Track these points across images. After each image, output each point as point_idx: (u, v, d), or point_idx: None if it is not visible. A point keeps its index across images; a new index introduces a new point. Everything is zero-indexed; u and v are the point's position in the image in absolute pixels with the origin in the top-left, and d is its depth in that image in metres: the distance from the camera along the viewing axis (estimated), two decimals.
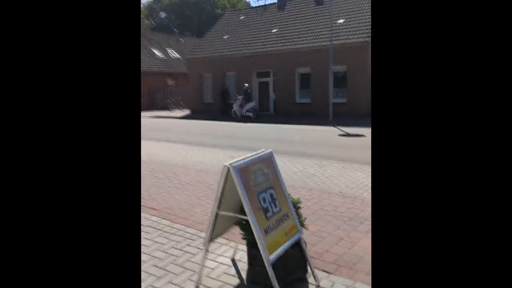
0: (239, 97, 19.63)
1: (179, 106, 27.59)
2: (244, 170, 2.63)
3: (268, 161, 2.90)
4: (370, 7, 19.26)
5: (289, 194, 2.98)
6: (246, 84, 19.97)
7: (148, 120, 20.24)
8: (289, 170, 6.76)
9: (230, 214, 2.78)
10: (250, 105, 18.94)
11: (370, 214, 4.22)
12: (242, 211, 2.77)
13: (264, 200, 2.70)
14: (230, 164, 2.55)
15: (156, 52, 31.82)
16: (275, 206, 2.78)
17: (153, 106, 28.74)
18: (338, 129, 13.44)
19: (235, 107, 19.37)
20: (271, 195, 2.79)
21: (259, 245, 2.50)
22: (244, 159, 2.70)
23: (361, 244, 3.47)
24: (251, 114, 18.69)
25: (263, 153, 2.90)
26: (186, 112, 24.90)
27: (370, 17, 18.13)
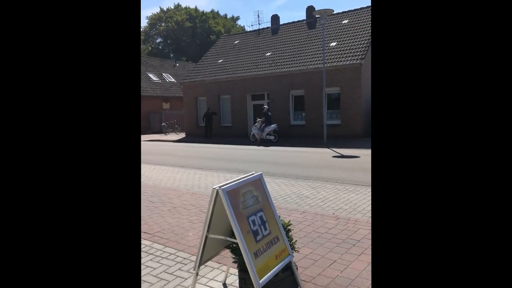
0: (258, 119, 18.26)
1: (174, 130, 27.67)
2: (233, 193, 2.63)
3: (257, 183, 2.91)
4: (362, 30, 19.65)
5: (279, 217, 2.98)
6: (266, 106, 18.60)
7: (143, 143, 20.24)
8: (283, 192, 6.75)
9: (220, 237, 2.77)
10: (272, 127, 17.57)
11: (363, 236, 4.20)
12: (232, 234, 2.76)
13: (253, 222, 2.70)
14: (219, 187, 2.56)
15: (151, 76, 32.12)
16: (265, 228, 2.77)
17: (149, 129, 28.90)
18: (332, 150, 13.49)
19: (254, 130, 18.14)
20: (261, 218, 2.78)
21: (249, 269, 2.48)
22: (233, 182, 2.71)
23: (353, 266, 3.44)
24: (272, 137, 17.51)
25: (252, 175, 2.91)
26: (181, 135, 24.95)
27: (363, 39, 18.45)
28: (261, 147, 15.82)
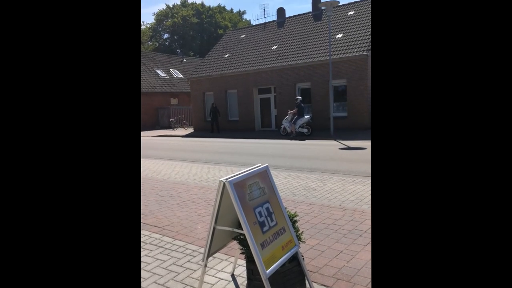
0: (290, 112, 17.17)
1: (182, 125, 27.82)
2: (240, 185, 2.68)
3: (263, 175, 2.95)
4: (368, 21, 19.51)
5: (285, 208, 3.02)
6: (299, 97, 17.08)
7: (152, 139, 20.38)
8: (290, 184, 6.80)
9: (227, 228, 2.83)
10: (305, 119, 16.46)
11: (369, 227, 4.24)
12: (239, 226, 2.81)
13: (260, 214, 2.74)
14: (225, 179, 2.61)
15: (159, 72, 32.27)
16: (272, 220, 2.82)
17: (157, 125, 29.13)
18: (339, 142, 13.48)
19: (285, 123, 17.10)
20: (267, 209, 2.83)
21: (256, 260, 2.53)
22: (239, 174, 2.75)
23: (359, 257, 3.49)
24: (305, 130, 16.49)
25: (258, 167, 2.95)
26: (190, 130, 25.07)
27: (369, 31, 18.29)
28: (268, 140, 15.85)
